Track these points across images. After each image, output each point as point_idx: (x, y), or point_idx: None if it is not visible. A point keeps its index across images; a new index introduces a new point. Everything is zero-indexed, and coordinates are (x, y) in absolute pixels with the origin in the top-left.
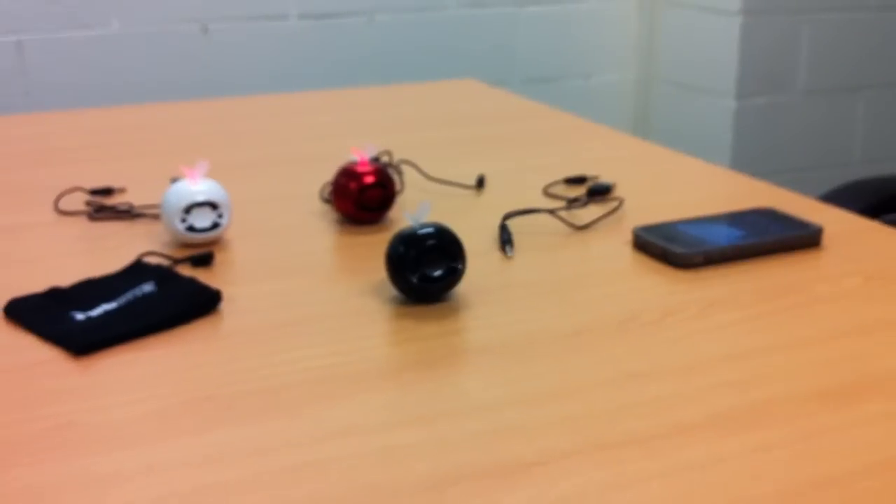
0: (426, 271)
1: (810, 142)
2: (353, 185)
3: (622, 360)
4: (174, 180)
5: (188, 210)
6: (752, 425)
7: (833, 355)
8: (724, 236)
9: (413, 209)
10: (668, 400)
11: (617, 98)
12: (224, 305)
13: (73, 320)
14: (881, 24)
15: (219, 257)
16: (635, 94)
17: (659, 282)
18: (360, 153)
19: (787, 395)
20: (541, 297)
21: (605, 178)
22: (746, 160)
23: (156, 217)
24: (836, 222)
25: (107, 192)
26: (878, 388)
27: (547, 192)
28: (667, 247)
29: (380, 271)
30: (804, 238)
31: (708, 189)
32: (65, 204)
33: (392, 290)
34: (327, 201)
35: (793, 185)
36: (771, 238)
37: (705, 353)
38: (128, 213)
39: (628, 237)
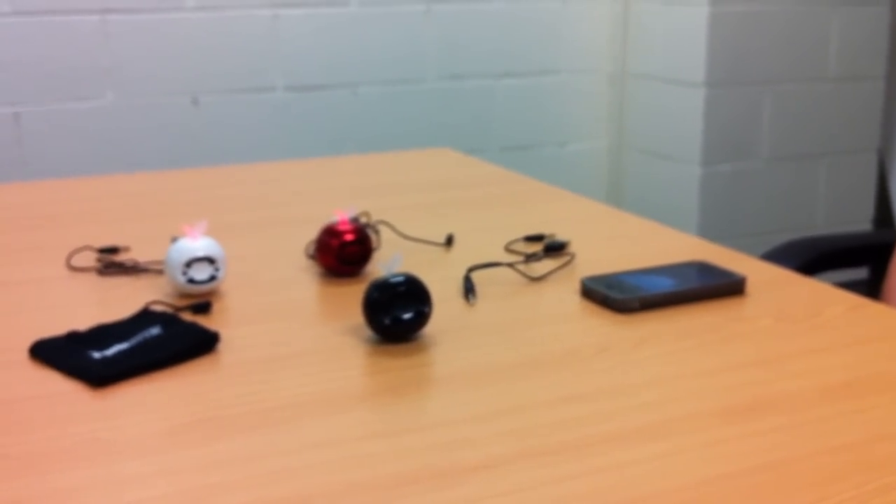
0: (397, 314)
1: (774, 207)
2: (334, 241)
3: (561, 385)
4: (175, 239)
5: (189, 264)
6: (664, 436)
7: (738, 381)
8: (659, 285)
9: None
10: (596, 416)
11: (591, 165)
12: (221, 345)
13: (91, 358)
14: (840, 94)
15: (216, 306)
16: (608, 161)
17: (599, 323)
18: (341, 214)
19: (696, 412)
20: (496, 336)
21: (560, 236)
22: (713, 225)
23: (159, 272)
24: (760, 273)
25: (113, 250)
26: (772, 407)
27: (508, 249)
28: (608, 294)
29: (358, 316)
30: (729, 286)
31: (651, 245)
32: (75, 261)
33: (368, 331)
34: (311, 257)
35: (758, 248)
36: (700, 286)
37: (631, 380)
38: (134, 269)
39: (577, 287)
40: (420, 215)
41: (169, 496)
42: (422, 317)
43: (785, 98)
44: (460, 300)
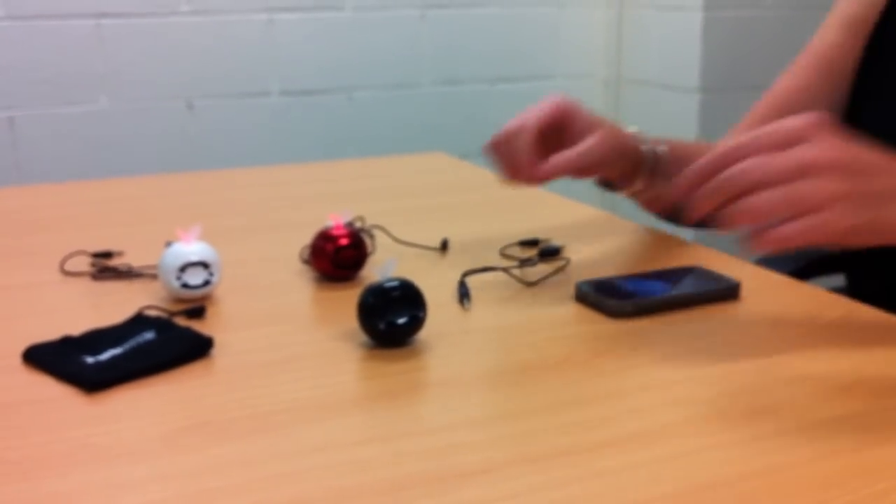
0: (392, 319)
1: None
2: (329, 246)
3: (555, 391)
4: (169, 243)
5: (183, 269)
6: (657, 441)
7: (733, 386)
8: (654, 290)
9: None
10: (590, 422)
11: None
12: (216, 350)
13: (85, 363)
14: None
15: (210, 310)
16: None
17: (594, 329)
18: (336, 218)
19: (691, 417)
20: (491, 341)
21: (555, 241)
22: None
23: (153, 276)
24: (754, 278)
25: (107, 255)
26: (767, 412)
27: (503, 254)
28: (602, 299)
29: (352, 320)
30: (724, 291)
31: (645, 250)
32: (69, 266)
33: (362, 336)
34: (306, 262)
35: (753, 252)
36: (694, 291)
37: (624, 385)
38: (128, 273)
39: (572, 292)
40: (415, 220)
41: (164, 501)
42: (416, 321)
43: None
44: (455, 305)
